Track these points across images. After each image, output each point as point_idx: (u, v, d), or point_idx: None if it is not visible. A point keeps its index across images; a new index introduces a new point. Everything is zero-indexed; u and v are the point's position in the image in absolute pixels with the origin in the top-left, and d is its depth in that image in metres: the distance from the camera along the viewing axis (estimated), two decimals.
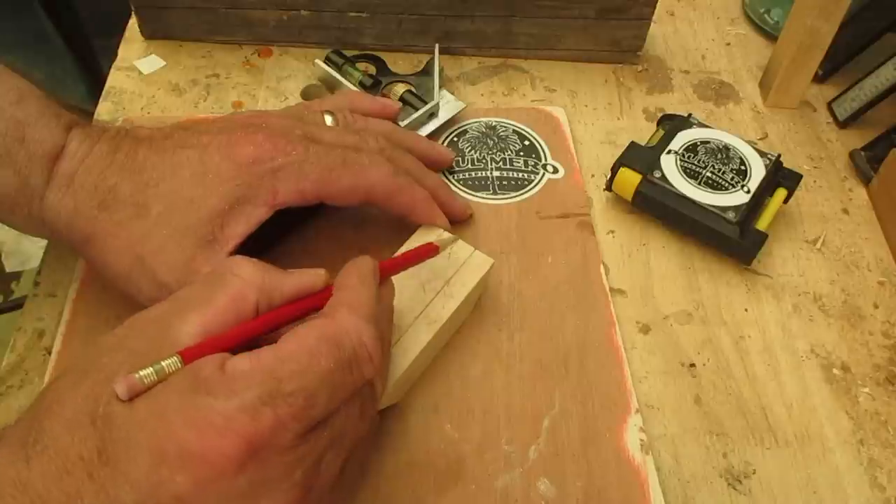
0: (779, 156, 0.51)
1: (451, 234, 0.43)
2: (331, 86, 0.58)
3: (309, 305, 0.32)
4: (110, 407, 0.27)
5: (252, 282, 0.31)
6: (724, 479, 0.40)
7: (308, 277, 0.33)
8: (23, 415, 0.29)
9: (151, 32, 0.60)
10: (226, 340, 0.29)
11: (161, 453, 0.26)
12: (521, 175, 0.52)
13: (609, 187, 0.52)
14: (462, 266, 0.42)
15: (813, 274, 0.50)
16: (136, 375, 0.27)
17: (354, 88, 0.55)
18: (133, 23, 0.61)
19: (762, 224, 0.49)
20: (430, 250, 0.40)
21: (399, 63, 0.60)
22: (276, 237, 0.45)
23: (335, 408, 0.30)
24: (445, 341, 0.43)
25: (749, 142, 0.52)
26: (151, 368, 0.27)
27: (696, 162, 0.50)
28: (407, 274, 0.41)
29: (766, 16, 0.67)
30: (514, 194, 0.51)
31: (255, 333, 0.30)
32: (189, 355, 0.28)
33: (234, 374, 0.28)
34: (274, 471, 0.27)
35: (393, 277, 0.41)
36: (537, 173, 0.52)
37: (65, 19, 1.09)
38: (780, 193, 0.51)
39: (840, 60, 0.61)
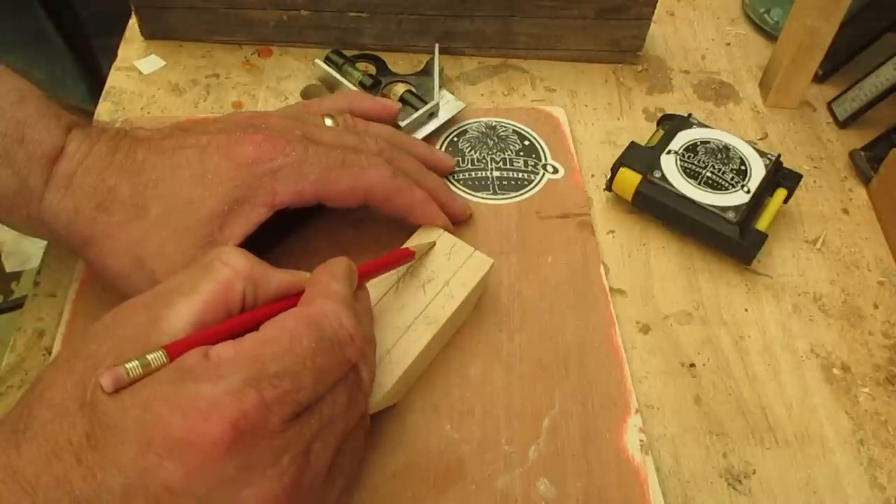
0: (779, 156, 0.51)
1: (432, 241, 0.43)
2: (331, 86, 0.57)
3: (293, 304, 0.32)
4: (97, 394, 0.27)
5: (240, 271, 0.32)
6: (724, 479, 0.40)
7: (295, 276, 0.34)
8: (15, 404, 0.29)
9: (151, 32, 0.60)
10: (210, 336, 0.29)
11: (148, 439, 0.26)
12: (521, 175, 0.52)
13: (609, 187, 0.52)
14: (462, 266, 0.42)
15: (813, 274, 0.50)
16: (122, 368, 0.27)
17: (354, 88, 0.55)
18: (133, 23, 0.61)
19: (762, 224, 0.49)
20: (406, 255, 0.40)
21: (399, 63, 0.60)
22: (275, 237, 0.45)
23: (321, 393, 0.30)
24: (445, 341, 0.43)
25: (749, 142, 0.52)
26: (136, 362, 0.27)
27: (696, 162, 0.50)
28: (407, 274, 0.41)
29: (766, 16, 0.67)
30: (514, 194, 0.51)
31: (238, 329, 0.30)
32: (174, 350, 0.28)
33: (219, 360, 0.28)
34: (261, 456, 0.27)
35: (393, 277, 0.41)
36: (537, 173, 0.52)
37: (65, 19, 1.10)
38: (780, 193, 0.51)
39: (840, 60, 0.61)
